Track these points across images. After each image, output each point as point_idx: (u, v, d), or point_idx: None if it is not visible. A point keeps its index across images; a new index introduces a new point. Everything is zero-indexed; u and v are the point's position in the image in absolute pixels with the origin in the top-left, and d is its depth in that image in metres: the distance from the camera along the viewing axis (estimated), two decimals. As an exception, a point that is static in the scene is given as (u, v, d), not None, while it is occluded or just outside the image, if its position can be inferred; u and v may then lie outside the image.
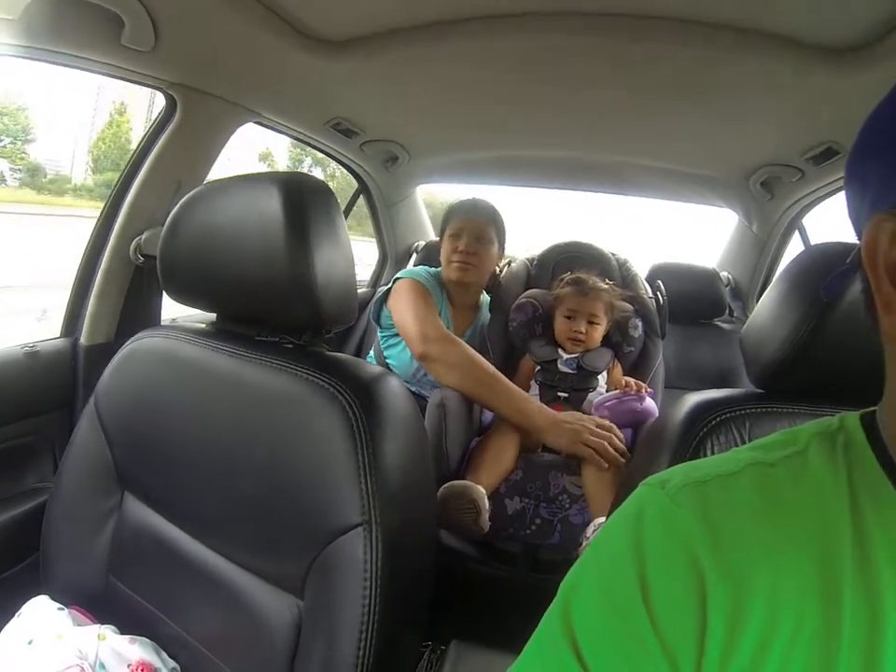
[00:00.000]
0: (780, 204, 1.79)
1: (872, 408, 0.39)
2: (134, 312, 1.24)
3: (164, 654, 0.69)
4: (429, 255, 2.16)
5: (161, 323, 1.30)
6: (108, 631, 0.68)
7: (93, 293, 1.18)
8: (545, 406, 1.34)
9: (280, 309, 0.73)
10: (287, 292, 0.68)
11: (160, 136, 1.17)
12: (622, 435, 1.29)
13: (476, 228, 1.55)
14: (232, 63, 1.12)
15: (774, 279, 0.67)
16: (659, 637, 0.35)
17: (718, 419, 0.66)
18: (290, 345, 0.75)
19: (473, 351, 1.34)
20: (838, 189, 1.57)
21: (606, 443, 1.23)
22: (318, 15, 1.03)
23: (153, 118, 1.19)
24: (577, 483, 1.26)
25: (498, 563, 1.28)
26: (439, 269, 1.66)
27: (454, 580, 1.12)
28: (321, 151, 1.71)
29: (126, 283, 1.22)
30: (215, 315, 0.85)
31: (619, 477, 1.23)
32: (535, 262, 1.81)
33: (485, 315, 1.70)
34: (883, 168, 0.35)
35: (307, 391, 0.66)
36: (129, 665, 0.65)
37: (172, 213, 0.79)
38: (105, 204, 1.21)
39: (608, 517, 0.44)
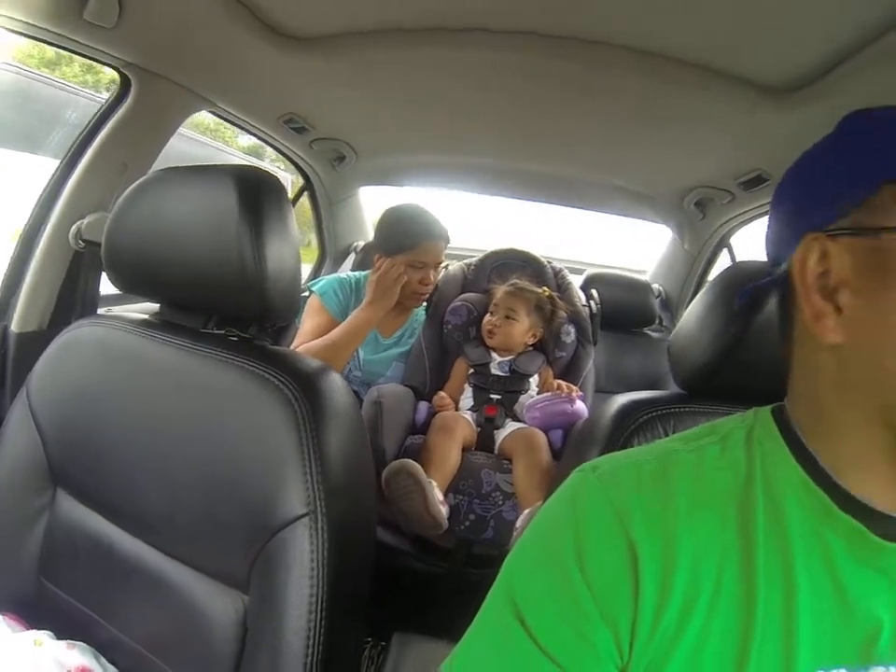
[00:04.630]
0: (711, 223, 1.92)
1: (781, 402, 0.46)
2: (71, 299, 1.19)
3: (103, 659, 0.68)
4: (368, 256, 2.13)
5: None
6: (45, 636, 0.67)
7: (28, 278, 1.13)
8: (355, 314, 1.45)
9: (229, 301, 0.73)
10: (238, 285, 0.69)
11: (109, 118, 1.13)
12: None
13: (438, 256, 1.57)
14: (194, 49, 1.10)
15: (701, 291, 0.74)
16: (596, 601, 0.39)
17: (645, 417, 0.73)
18: (235, 338, 0.76)
19: (316, 343, 1.42)
20: (765, 213, 1.69)
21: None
22: (286, 10, 1.03)
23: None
24: (508, 481, 1.32)
25: (433, 558, 1.32)
26: (360, 274, 1.67)
27: (389, 576, 1.16)
28: (268, 144, 1.68)
29: (64, 268, 1.17)
30: (156, 306, 0.83)
31: (550, 474, 1.29)
32: (472, 267, 1.86)
33: (420, 316, 1.73)
34: (815, 195, 0.42)
35: (253, 384, 0.67)
36: None
37: (120, 198, 0.77)
38: (46, 186, 1.14)
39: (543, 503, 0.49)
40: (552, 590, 0.41)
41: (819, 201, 0.41)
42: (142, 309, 0.86)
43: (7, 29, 0.92)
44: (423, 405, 1.53)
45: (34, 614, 0.74)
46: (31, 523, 0.79)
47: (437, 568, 1.32)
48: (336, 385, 0.71)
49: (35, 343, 0.99)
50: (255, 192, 0.68)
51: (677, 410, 0.72)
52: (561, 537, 0.43)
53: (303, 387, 0.66)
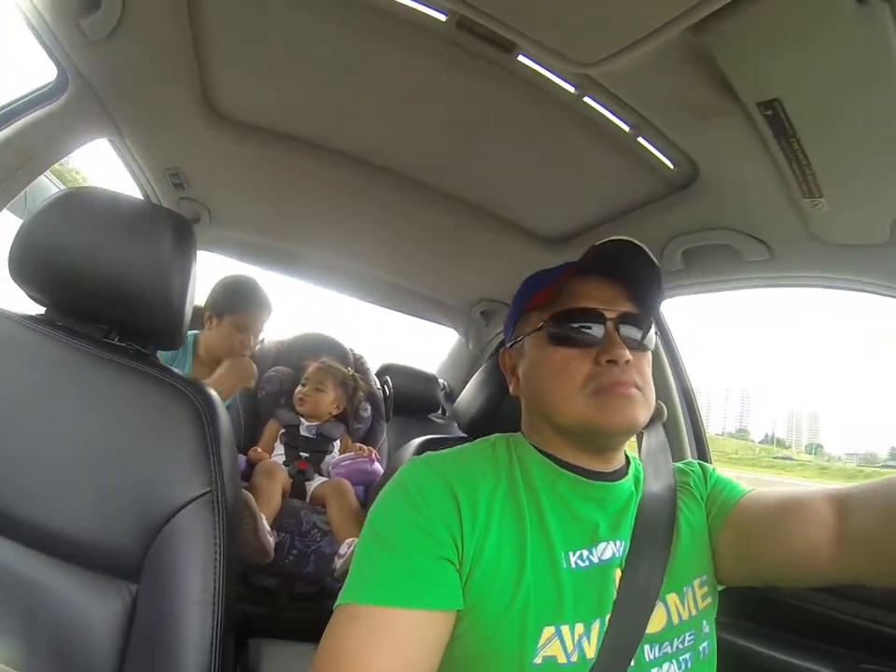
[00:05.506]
0: (493, 329, 2.23)
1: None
2: None
3: None
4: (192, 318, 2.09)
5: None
6: None
7: None
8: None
9: (143, 319, 0.82)
10: (162, 308, 0.80)
11: (34, 108, 1.10)
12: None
13: (261, 324, 1.72)
14: (140, 87, 1.15)
15: (479, 369, 1.04)
16: (436, 515, 0.61)
17: (438, 448, 0.90)
18: (133, 351, 0.82)
19: None
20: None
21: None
22: (231, 94, 1.17)
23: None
24: (324, 521, 1.55)
25: (258, 597, 1.41)
26: (191, 333, 1.75)
27: None
28: (139, 187, 1.65)
29: None
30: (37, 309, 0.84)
31: (360, 515, 1.49)
32: (284, 344, 2.13)
33: None
34: (507, 325, 0.81)
35: (157, 388, 0.76)
36: None
37: (55, 196, 0.80)
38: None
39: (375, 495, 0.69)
40: (406, 516, 0.61)
41: (506, 328, 0.81)
42: None
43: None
44: (241, 457, 1.66)
45: None
46: None
47: (262, 609, 1.41)
48: (218, 399, 0.82)
49: None
50: (188, 233, 0.83)
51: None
52: (407, 491, 0.63)
53: (201, 392, 0.78)
